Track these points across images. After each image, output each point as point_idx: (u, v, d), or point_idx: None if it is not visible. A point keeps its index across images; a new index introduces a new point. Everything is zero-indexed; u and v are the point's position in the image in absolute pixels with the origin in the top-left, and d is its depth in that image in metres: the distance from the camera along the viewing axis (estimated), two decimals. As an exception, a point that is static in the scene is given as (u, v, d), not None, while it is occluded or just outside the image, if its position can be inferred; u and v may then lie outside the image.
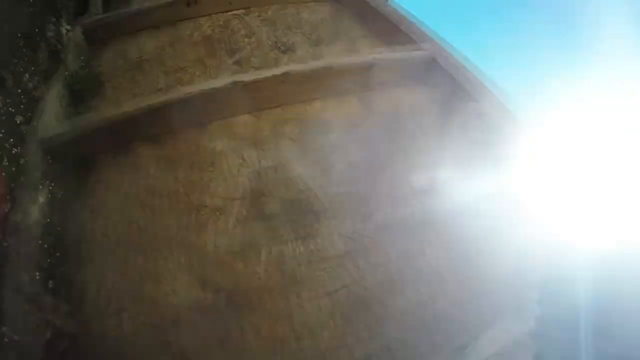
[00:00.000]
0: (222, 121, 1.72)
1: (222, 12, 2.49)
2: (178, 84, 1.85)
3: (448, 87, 1.80)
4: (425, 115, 1.75)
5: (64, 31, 2.21)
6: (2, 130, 1.66)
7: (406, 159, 1.64)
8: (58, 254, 1.57)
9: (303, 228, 1.49)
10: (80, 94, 1.96)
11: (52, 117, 1.78)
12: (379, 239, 1.48)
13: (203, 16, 2.45)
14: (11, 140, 1.67)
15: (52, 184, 1.70)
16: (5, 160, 1.60)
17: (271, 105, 1.73)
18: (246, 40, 2.29)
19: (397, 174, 1.59)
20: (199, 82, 1.77)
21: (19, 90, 1.79)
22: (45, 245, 1.53)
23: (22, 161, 1.63)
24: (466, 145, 1.67)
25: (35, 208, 1.58)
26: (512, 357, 1.37)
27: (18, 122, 1.75)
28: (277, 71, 1.76)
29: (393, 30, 2.00)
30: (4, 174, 1.57)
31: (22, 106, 1.79)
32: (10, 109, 1.74)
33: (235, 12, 2.51)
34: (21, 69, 1.85)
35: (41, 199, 1.61)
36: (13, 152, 1.65)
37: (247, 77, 1.69)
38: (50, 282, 1.51)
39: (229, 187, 1.57)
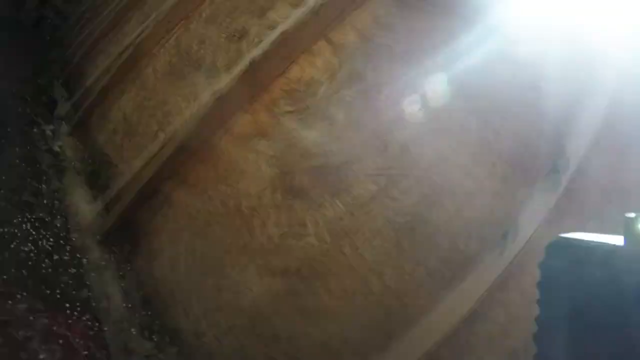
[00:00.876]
0: (224, 131, 1.76)
1: (166, 36, 2.47)
2: (169, 119, 1.90)
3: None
4: (392, 22, 1.70)
5: (49, 133, 2.34)
6: (51, 241, 1.77)
7: (394, 74, 1.61)
8: (150, 309, 1.71)
9: (333, 186, 1.52)
10: (95, 175, 2.10)
11: (90, 214, 1.93)
12: (401, 164, 1.48)
13: (153, 51, 2.47)
14: (66, 247, 1.82)
15: (118, 262, 1.82)
16: (70, 266, 1.74)
17: (257, 95, 1.75)
18: (202, 47, 2.21)
19: (392, 94, 1.57)
20: (186, 109, 1.81)
21: (45, 201, 1.94)
22: (140, 311, 1.67)
23: (83, 260, 1.77)
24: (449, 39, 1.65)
25: (116, 292, 1.71)
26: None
27: (59, 225, 1.90)
28: (243, 64, 1.77)
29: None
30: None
31: (58, 216, 1.96)
32: (47, 218, 1.90)
33: (176, 28, 2.45)
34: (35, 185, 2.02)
35: (118, 283, 1.74)
36: (70, 256, 1.80)
37: (221, 83, 1.72)
38: (160, 336, 1.64)
39: (256, 181, 1.61)
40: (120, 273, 1.72)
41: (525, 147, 1.44)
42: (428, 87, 1.53)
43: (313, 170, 1.54)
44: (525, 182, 1.41)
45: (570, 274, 0.44)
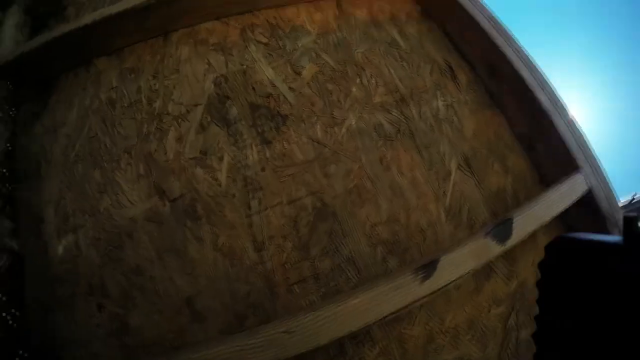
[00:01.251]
0: (188, 29, 1.52)
1: None
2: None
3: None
4: (409, 23, 1.52)
5: None
6: None
7: (385, 67, 1.42)
8: (16, 174, 1.45)
9: (269, 131, 1.27)
10: (42, 20, 1.79)
11: (11, 43, 1.62)
12: (350, 145, 1.30)
13: None
14: None
15: (14, 110, 1.55)
16: None
17: (240, 10, 1.51)
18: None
19: (372, 84, 1.38)
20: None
21: None
22: (4, 171, 1.39)
23: None
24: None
25: None
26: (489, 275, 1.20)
27: None
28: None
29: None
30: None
31: None
32: None
33: None
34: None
35: (1, 126, 1.47)
36: None
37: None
38: (8, 206, 1.38)
39: (194, 92, 1.36)
40: (1, 113, 1.44)
41: (478, 198, 1.28)
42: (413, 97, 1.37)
43: (256, 107, 1.31)
44: (468, 227, 1.24)
45: (570, 274, 0.43)
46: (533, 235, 1.20)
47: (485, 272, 1.20)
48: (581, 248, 0.43)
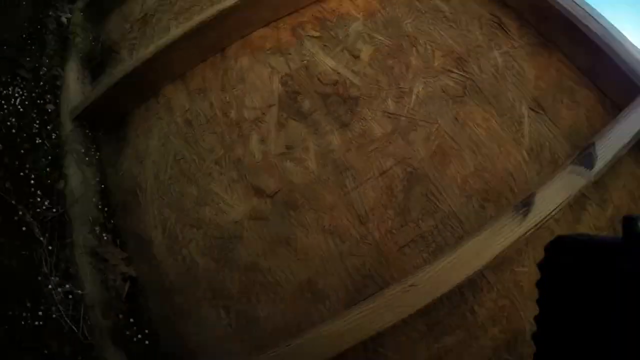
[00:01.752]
0: (241, 40, 1.59)
1: None
2: (188, 16, 1.69)
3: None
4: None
5: (64, 20, 2.12)
6: (38, 122, 1.63)
7: (436, 32, 1.44)
8: (116, 209, 1.53)
9: (345, 115, 1.33)
10: (99, 68, 1.89)
11: (78, 95, 1.72)
12: (423, 111, 1.33)
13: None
14: (47, 127, 1.63)
15: (97, 150, 1.64)
16: (48, 146, 1.57)
17: (286, 12, 1.56)
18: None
19: (429, 50, 1.41)
20: (209, 8, 1.60)
21: (41, 82, 1.75)
22: (105, 209, 1.49)
23: (63, 142, 1.59)
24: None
25: (85, 176, 1.53)
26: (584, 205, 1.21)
27: (50, 110, 1.71)
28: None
29: None
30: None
31: (48, 95, 1.76)
32: (39, 101, 1.72)
33: None
34: (37, 55, 1.85)
35: (89, 167, 1.55)
36: (53, 137, 1.61)
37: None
38: (112, 235, 1.46)
39: (264, 95, 1.43)
40: (87, 158, 1.54)
41: (556, 134, 1.28)
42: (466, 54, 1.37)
43: (326, 96, 1.36)
44: (552, 163, 1.24)
45: (570, 274, 0.42)
46: (619, 160, 1.19)
47: (581, 203, 1.21)
48: (581, 248, 0.42)
